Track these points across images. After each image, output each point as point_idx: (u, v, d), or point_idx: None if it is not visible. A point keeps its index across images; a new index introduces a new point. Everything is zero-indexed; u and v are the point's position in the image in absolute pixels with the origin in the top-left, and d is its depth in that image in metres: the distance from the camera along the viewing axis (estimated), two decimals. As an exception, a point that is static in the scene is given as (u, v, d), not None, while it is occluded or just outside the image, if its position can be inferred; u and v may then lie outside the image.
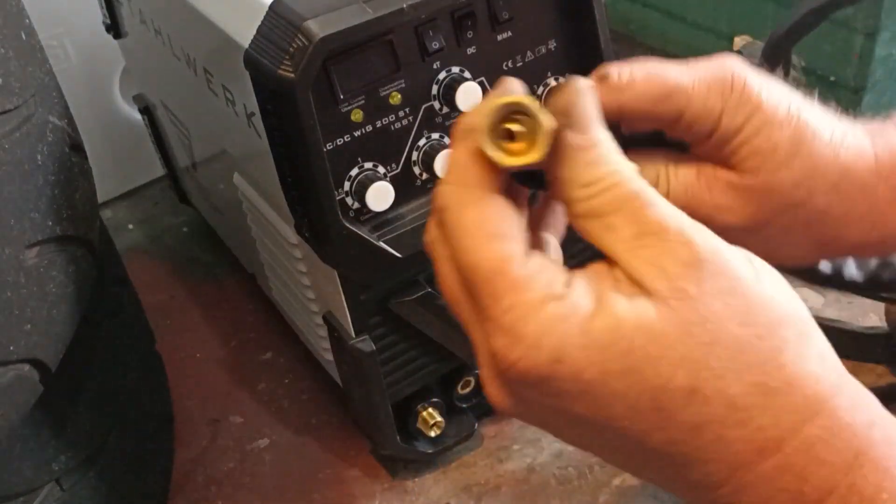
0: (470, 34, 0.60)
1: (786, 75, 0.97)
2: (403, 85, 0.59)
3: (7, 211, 0.50)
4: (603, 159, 0.32)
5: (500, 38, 0.61)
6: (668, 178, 0.41)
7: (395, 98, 0.59)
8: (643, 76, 0.39)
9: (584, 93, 0.33)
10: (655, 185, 0.41)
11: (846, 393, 0.31)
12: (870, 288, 0.73)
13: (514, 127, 0.32)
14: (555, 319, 0.30)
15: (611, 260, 0.31)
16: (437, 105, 0.61)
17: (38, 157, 0.54)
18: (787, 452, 0.29)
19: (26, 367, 0.53)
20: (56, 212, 0.55)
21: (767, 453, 0.30)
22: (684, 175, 0.41)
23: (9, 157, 0.51)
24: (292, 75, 0.52)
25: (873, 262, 0.74)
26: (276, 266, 0.79)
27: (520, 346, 0.30)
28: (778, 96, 0.40)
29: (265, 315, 0.96)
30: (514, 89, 0.35)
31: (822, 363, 0.31)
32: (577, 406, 0.31)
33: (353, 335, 0.66)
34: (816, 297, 0.88)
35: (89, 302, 0.60)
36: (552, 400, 0.31)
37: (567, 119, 0.32)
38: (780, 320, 0.31)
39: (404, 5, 0.55)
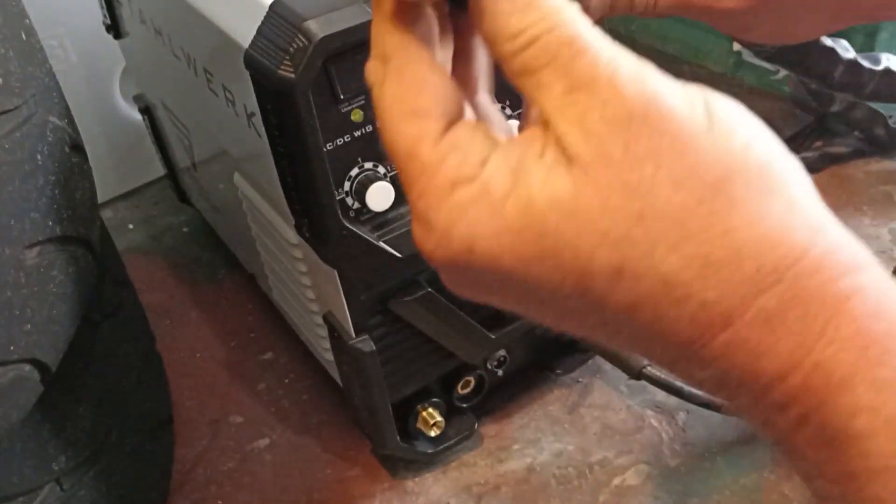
0: (470, 34, 0.59)
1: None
2: (403, 85, 0.59)
3: (7, 211, 0.50)
4: (530, 4, 0.27)
5: (500, 37, 0.61)
6: None
7: (395, 98, 0.59)
8: None
9: None
10: None
11: (817, 252, 0.26)
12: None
13: None
14: (465, 204, 0.27)
15: (545, 121, 0.27)
16: (437, 105, 0.61)
17: (39, 157, 0.54)
18: (738, 327, 0.26)
19: (26, 367, 0.53)
20: (56, 212, 0.55)
21: (717, 329, 0.26)
22: None
23: (9, 157, 0.51)
24: (292, 75, 0.52)
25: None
26: (276, 266, 0.79)
27: (432, 236, 0.28)
28: None
29: (265, 315, 0.96)
30: None
31: (788, 217, 0.26)
32: (504, 292, 0.29)
33: (353, 335, 0.66)
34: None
35: (89, 302, 0.60)
36: (479, 286, 0.29)
37: None
38: (731, 175, 0.26)
39: (404, 5, 0.55)
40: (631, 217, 0.26)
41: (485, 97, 0.33)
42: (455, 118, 0.29)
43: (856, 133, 1.02)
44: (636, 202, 0.26)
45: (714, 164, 0.26)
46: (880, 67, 0.75)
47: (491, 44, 0.28)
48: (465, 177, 0.27)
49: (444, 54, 0.32)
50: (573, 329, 0.30)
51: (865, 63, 0.75)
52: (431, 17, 0.30)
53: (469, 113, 0.31)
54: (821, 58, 0.65)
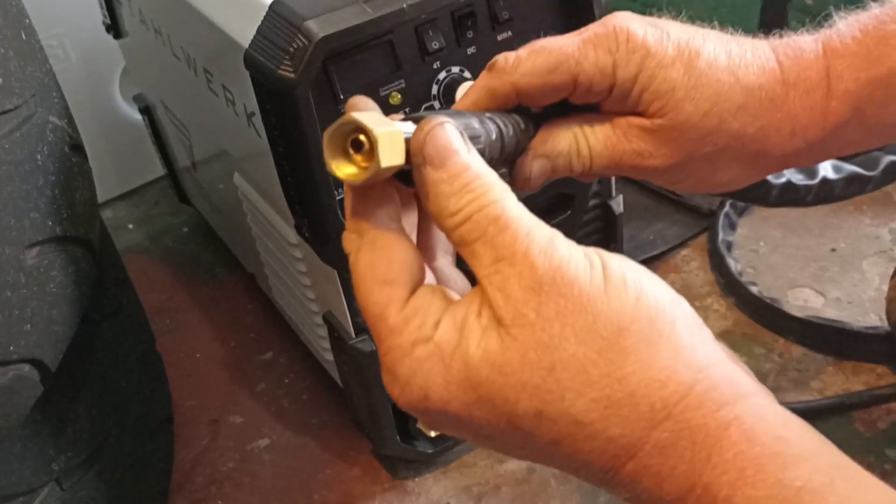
0: (470, 34, 0.59)
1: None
2: (403, 85, 0.59)
3: (7, 211, 0.50)
4: (465, 188, 0.33)
5: (500, 37, 0.61)
6: (587, 138, 0.43)
7: (396, 98, 0.59)
8: (527, 54, 0.41)
9: (436, 128, 0.34)
10: (575, 149, 0.43)
11: (700, 389, 0.31)
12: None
13: (362, 138, 0.32)
14: (421, 360, 0.33)
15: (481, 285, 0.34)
16: (437, 105, 0.61)
17: (38, 157, 0.54)
18: (640, 457, 0.31)
19: (26, 367, 0.53)
20: (56, 212, 0.55)
21: (625, 458, 0.31)
22: (601, 131, 0.43)
23: (9, 157, 0.51)
24: (292, 75, 0.52)
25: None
26: (276, 266, 0.79)
27: (396, 384, 0.34)
28: (664, 36, 0.42)
29: (265, 315, 0.96)
30: (358, 105, 0.37)
31: (673, 361, 0.31)
32: (457, 429, 0.34)
33: (353, 335, 0.66)
34: (817, 298, 0.88)
35: (89, 302, 0.60)
36: (437, 424, 0.35)
37: (421, 157, 0.33)
38: (623, 329, 0.31)
39: (404, 5, 0.55)
40: (544, 368, 0.31)
41: (443, 260, 0.40)
42: (418, 283, 0.35)
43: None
44: (548, 356, 0.31)
45: (609, 321, 0.31)
46: (816, 180, 0.79)
47: (435, 218, 0.34)
48: (423, 337, 0.33)
49: (410, 221, 0.38)
50: (518, 457, 0.36)
51: (800, 180, 0.79)
52: (394, 194, 0.36)
53: (429, 276, 0.38)
54: (752, 188, 0.68)
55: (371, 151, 0.32)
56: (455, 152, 0.34)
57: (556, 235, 0.33)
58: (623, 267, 0.32)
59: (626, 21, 0.42)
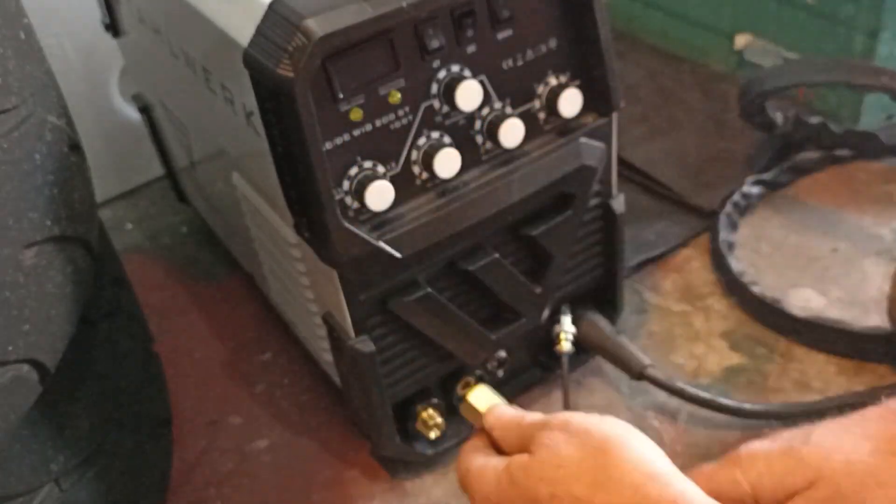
0: (470, 33, 0.59)
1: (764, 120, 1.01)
2: (403, 84, 0.58)
3: (5, 211, 0.50)
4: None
5: (500, 36, 0.61)
6: None
7: (395, 97, 0.59)
8: None
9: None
10: None
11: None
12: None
13: None
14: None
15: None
16: (437, 104, 0.61)
17: (37, 156, 0.54)
18: None
19: (25, 367, 0.53)
20: (54, 211, 0.55)
21: None
22: None
23: (7, 156, 0.50)
24: (291, 74, 0.52)
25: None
26: (275, 266, 0.79)
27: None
28: None
29: (265, 315, 0.96)
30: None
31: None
32: None
33: (353, 335, 0.66)
34: (818, 298, 0.87)
35: (88, 302, 0.60)
36: None
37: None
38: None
39: (404, 4, 0.54)
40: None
41: None
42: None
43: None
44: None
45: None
46: None
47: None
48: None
49: None
50: None
51: None
52: None
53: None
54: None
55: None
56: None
57: None
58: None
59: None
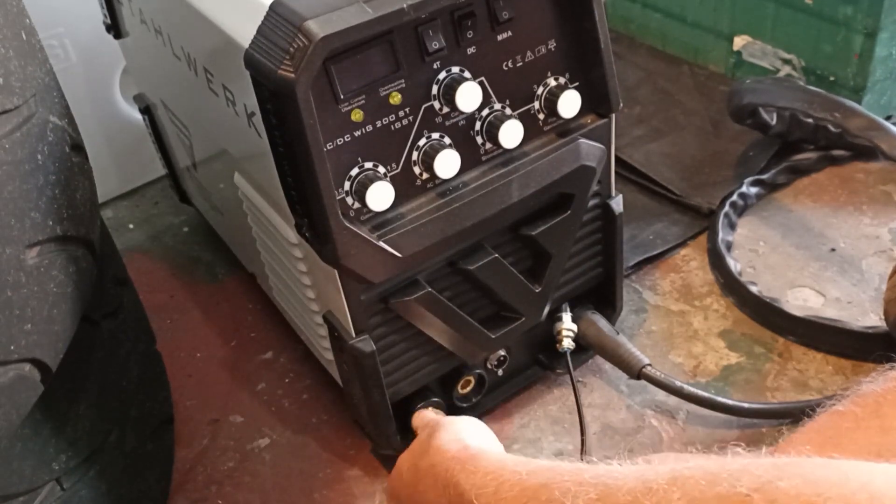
0: (470, 34, 0.60)
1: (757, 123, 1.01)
2: (403, 85, 0.59)
3: (7, 211, 0.50)
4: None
5: (500, 37, 0.61)
6: None
7: (395, 98, 0.59)
8: None
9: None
10: None
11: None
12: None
13: None
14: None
15: None
16: (437, 105, 0.61)
17: (39, 156, 0.54)
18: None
19: (27, 366, 0.53)
20: (56, 211, 0.55)
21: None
22: None
23: (9, 156, 0.51)
24: (292, 75, 0.52)
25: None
26: (276, 266, 0.79)
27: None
28: None
29: (265, 315, 0.96)
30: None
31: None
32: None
33: (353, 335, 0.66)
34: (816, 298, 0.88)
35: (89, 301, 0.60)
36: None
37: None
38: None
39: (404, 5, 0.55)
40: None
41: None
42: None
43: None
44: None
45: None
46: None
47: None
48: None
49: None
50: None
51: None
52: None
53: None
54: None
55: None
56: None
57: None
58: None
59: None
